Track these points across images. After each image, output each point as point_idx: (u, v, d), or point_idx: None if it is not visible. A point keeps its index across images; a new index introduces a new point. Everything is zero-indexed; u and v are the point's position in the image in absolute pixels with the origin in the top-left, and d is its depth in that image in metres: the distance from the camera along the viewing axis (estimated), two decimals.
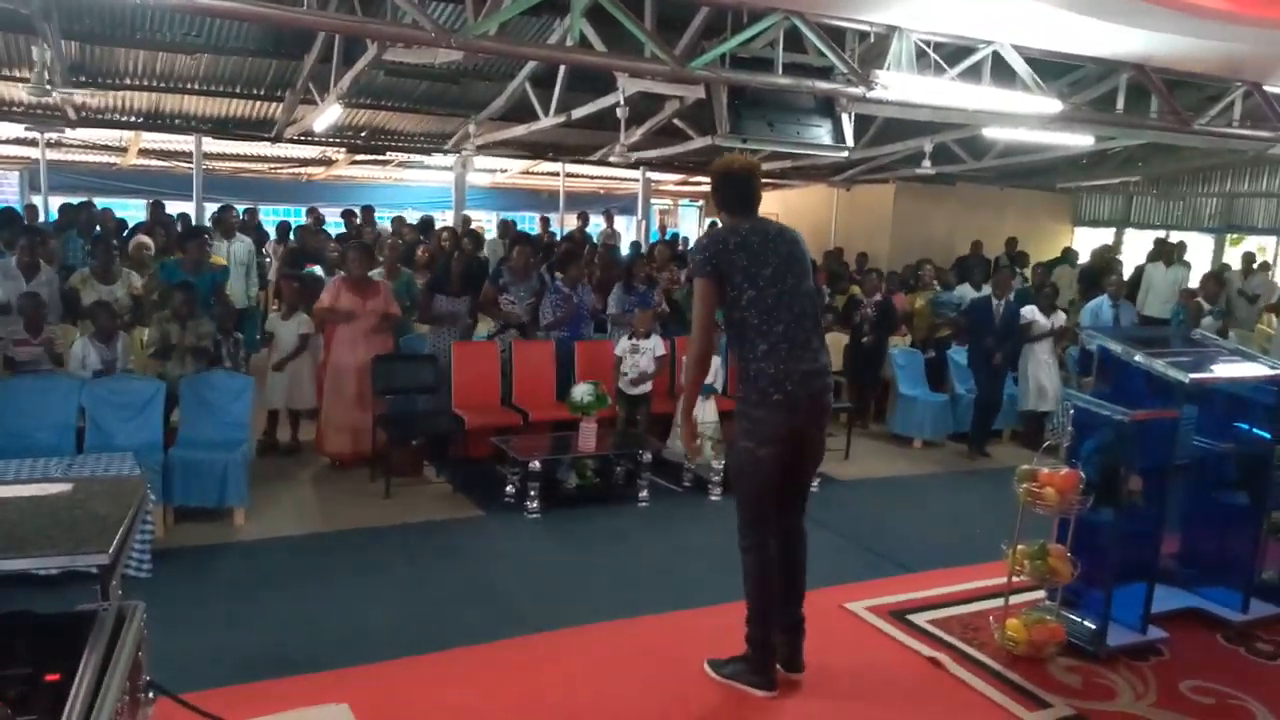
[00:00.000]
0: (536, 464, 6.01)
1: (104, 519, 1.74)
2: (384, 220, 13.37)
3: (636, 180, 14.54)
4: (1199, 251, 13.48)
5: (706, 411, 6.97)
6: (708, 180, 4.06)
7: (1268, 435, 4.71)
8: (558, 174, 14.70)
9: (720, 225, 3.98)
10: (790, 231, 3.94)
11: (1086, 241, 15.02)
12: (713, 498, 6.50)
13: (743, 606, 3.91)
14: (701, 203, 19.56)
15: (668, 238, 14.57)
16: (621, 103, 7.78)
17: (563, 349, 7.53)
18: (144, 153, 13.17)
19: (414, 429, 6.80)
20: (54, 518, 1.79)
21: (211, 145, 12.06)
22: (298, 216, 13.80)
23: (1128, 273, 11.93)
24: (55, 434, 5.53)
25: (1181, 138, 8.25)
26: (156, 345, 6.20)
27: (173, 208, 11.38)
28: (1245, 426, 4.83)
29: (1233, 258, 13.86)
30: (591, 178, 15.94)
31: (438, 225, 12.04)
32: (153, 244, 8.42)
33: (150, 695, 1.89)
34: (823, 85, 6.10)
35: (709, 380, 7.05)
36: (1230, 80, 7.43)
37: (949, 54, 6.40)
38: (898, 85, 6.02)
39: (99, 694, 1.52)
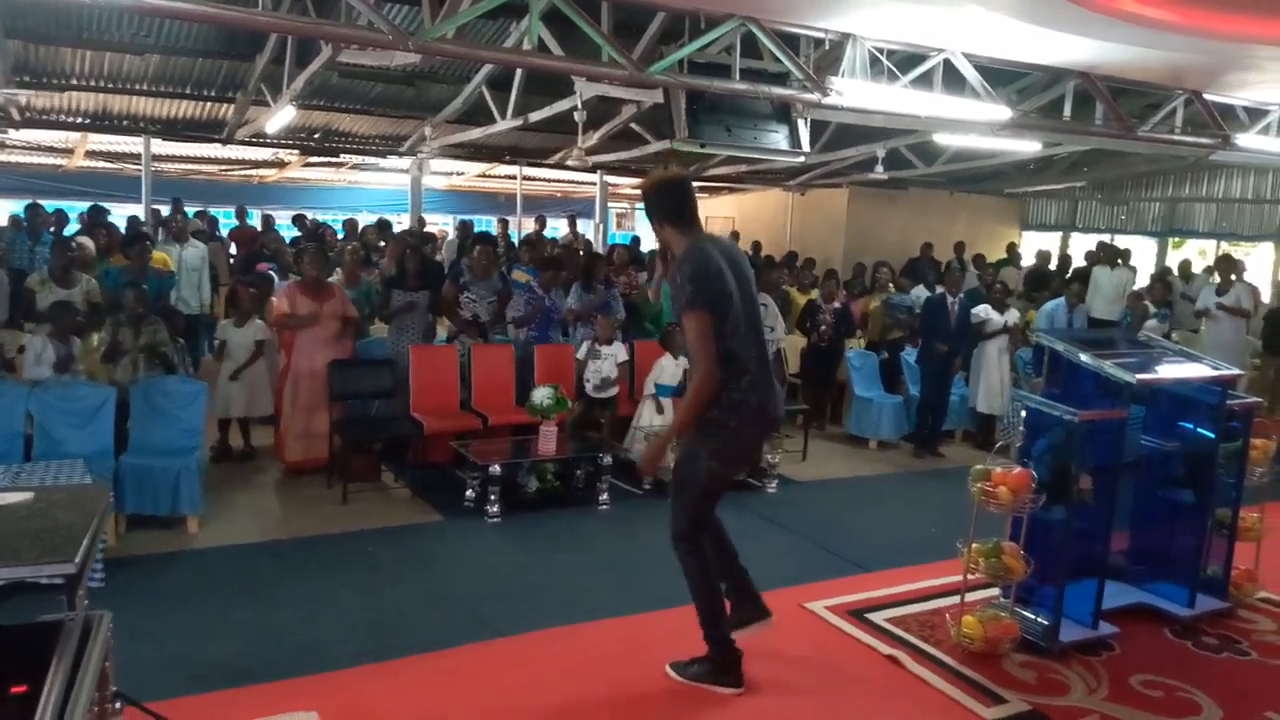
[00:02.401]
0: (496, 468, 5.99)
1: (68, 528, 1.71)
2: (335, 223, 13.24)
3: (594, 184, 14.56)
4: (1142, 255, 13.84)
5: (667, 414, 7.00)
6: (648, 196, 3.90)
7: (1211, 435, 4.84)
8: (515, 177, 14.67)
9: (690, 245, 3.76)
10: (739, 248, 4.01)
11: (1034, 245, 15.33)
12: None
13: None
14: None
15: (622, 241, 14.60)
16: (579, 106, 7.79)
17: (522, 353, 7.53)
18: (91, 154, 12.92)
19: (372, 434, 6.75)
20: (16, 527, 1.76)
21: (161, 147, 11.85)
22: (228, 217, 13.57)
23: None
24: (2, 441, 5.39)
25: (1125, 144, 8.47)
26: (105, 347, 6.07)
27: (121, 210, 11.14)
28: (1190, 426, 4.96)
29: (1174, 260, 14.25)
30: (549, 181, 15.94)
31: (395, 228, 11.96)
32: (93, 245, 8.26)
33: (118, 706, 1.87)
34: (779, 91, 6.17)
35: (670, 382, 7.09)
36: (1172, 88, 7.65)
37: (901, 61, 6.52)
38: (852, 92, 6.11)
39: (67, 705, 1.50)
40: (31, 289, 6.90)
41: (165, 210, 11.42)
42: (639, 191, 4.04)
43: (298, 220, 12.61)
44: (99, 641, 1.72)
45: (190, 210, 11.98)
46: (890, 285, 10.24)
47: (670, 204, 3.82)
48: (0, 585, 3.76)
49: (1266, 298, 10.79)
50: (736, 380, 3.68)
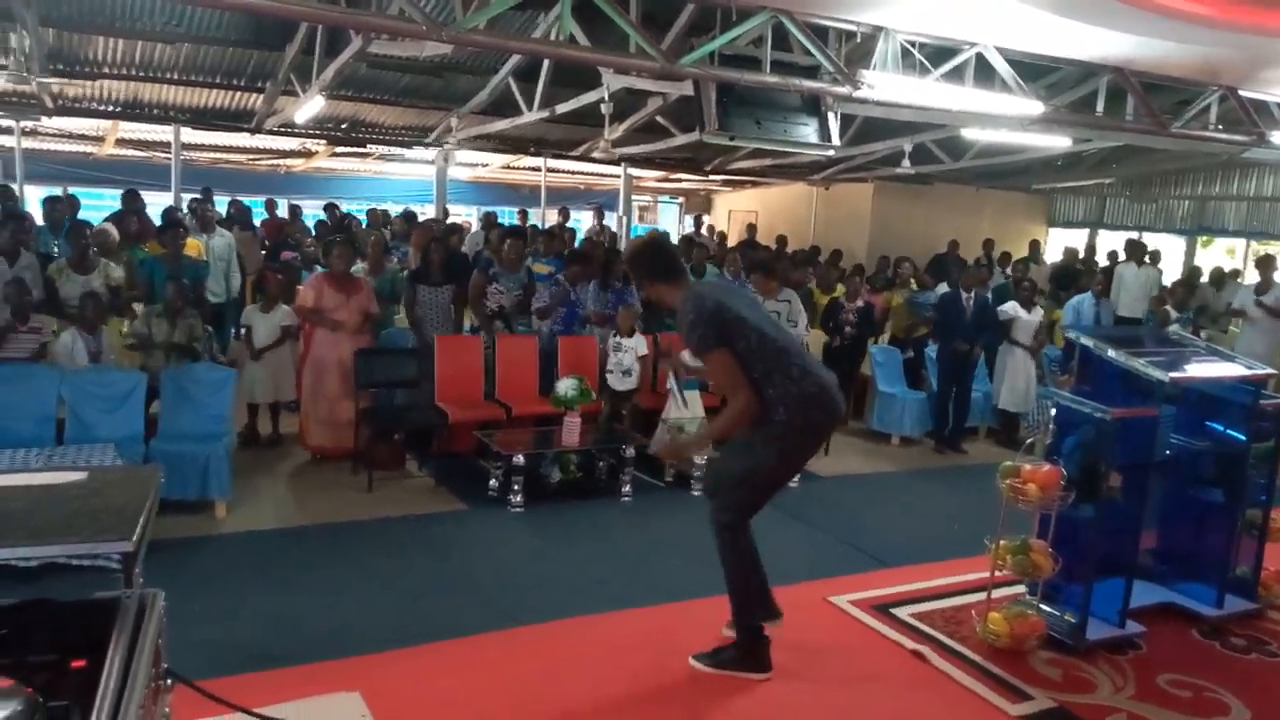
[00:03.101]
0: (520, 458, 6.02)
1: (123, 507, 1.74)
2: (359, 213, 13.27)
3: (618, 176, 14.54)
4: (1171, 253, 13.71)
5: (693, 407, 7.00)
6: (633, 263, 4.24)
7: (1243, 435, 4.79)
8: (539, 169, 14.67)
9: (684, 295, 3.91)
10: (729, 281, 4.26)
11: (1061, 242, 15.22)
12: (695, 493, 6.52)
13: (726, 600, 3.96)
14: (681, 200, 19.61)
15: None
16: (606, 99, 7.79)
17: (547, 344, 7.55)
18: (121, 142, 13.00)
19: (396, 423, 6.79)
20: (72, 506, 1.79)
21: (190, 136, 11.93)
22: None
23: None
24: (35, 425, 5.48)
25: (1158, 140, 8.38)
26: (137, 338, 6.14)
27: (150, 198, 11.19)
28: (1220, 426, 4.91)
29: (1204, 259, 14.09)
30: (572, 173, 15.93)
31: (420, 218, 12.00)
32: (116, 233, 8.29)
33: (169, 683, 1.90)
34: (810, 84, 6.14)
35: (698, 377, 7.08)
36: (1207, 84, 7.56)
37: (931, 54, 6.47)
38: (883, 85, 6.08)
39: (128, 680, 1.53)
40: (51, 278, 6.93)
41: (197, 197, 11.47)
42: (628, 258, 4.27)
43: (329, 209, 12.66)
44: (154, 619, 1.75)
45: (222, 200, 12.05)
46: (912, 281, 10.19)
47: (658, 264, 4.03)
48: (35, 565, 3.83)
49: None
50: (784, 373, 3.73)
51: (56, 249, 8.11)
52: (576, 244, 11.31)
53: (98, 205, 12.79)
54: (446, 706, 3.62)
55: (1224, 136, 7.92)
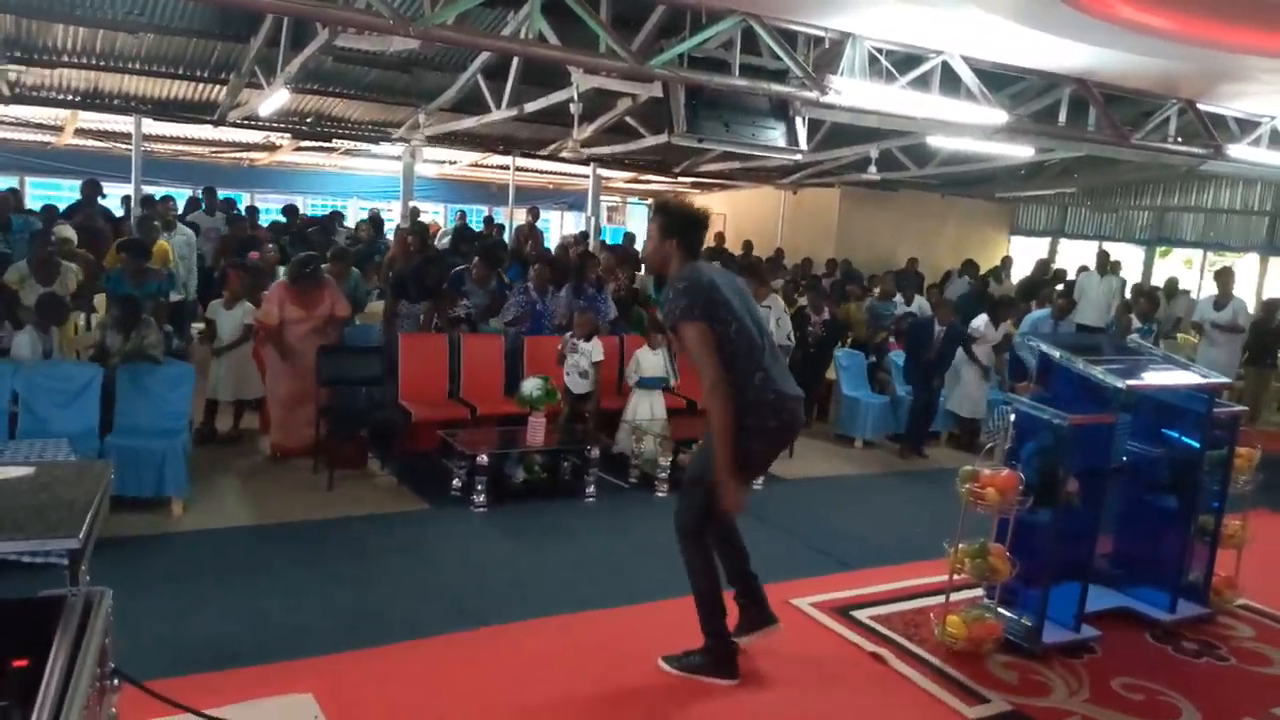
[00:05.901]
0: (484, 458, 5.98)
1: (71, 503, 1.70)
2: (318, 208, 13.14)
3: (586, 176, 14.53)
4: (1130, 263, 13.95)
5: (655, 408, 7.00)
6: (673, 215, 4.03)
7: (1197, 442, 4.87)
8: (508, 167, 14.61)
9: (686, 265, 3.90)
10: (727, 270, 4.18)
11: (1022, 250, 15.43)
12: (659, 494, 6.53)
13: (691, 601, 3.96)
14: (650, 201, 19.60)
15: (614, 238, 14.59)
16: (575, 98, 7.78)
17: (512, 344, 7.53)
18: (80, 132, 12.77)
19: (359, 421, 6.71)
20: (18, 501, 1.74)
21: (151, 127, 11.74)
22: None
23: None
24: None
25: (1119, 151, 8.52)
26: (95, 351, 6.04)
27: (109, 189, 11.00)
28: (1175, 433, 4.99)
29: (1161, 268, 14.35)
30: (541, 172, 15.89)
31: (387, 219, 11.91)
32: (75, 238, 8.09)
33: (115, 683, 1.86)
34: (779, 88, 6.18)
35: (660, 374, 7.09)
36: (1166, 97, 7.70)
37: (899, 62, 6.53)
38: (850, 91, 6.13)
39: (71, 680, 1.49)
40: (12, 286, 6.63)
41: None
42: (671, 206, 4.14)
43: (288, 212, 12.53)
44: (100, 618, 1.71)
45: (183, 193, 11.88)
46: (865, 294, 10.34)
47: (690, 231, 3.98)
48: None
49: (1250, 309, 10.86)
50: (750, 378, 3.72)
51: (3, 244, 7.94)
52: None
53: (55, 196, 12.56)
54: (405, 708, 3.58)
55: (1183, 149, 8.08)
